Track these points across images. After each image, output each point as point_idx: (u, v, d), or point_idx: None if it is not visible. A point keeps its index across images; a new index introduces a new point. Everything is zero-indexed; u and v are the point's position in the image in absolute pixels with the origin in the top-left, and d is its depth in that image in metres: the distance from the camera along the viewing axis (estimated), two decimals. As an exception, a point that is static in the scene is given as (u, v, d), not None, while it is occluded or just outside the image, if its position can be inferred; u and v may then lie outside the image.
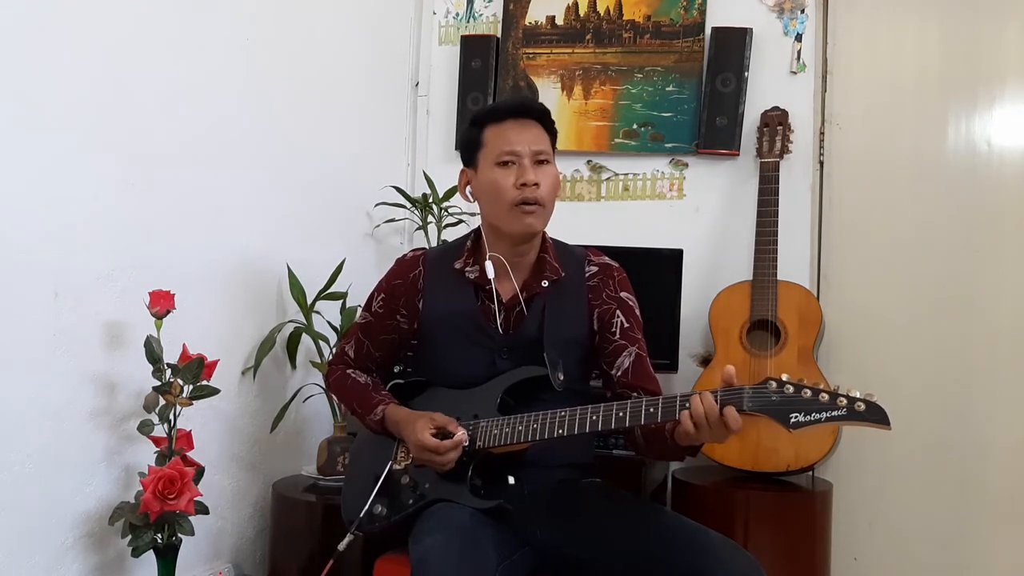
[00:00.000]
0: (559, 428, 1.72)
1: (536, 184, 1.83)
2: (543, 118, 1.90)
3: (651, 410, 1.64)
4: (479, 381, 1.89)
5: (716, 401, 1.58)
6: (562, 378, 1.83)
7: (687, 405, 1.61)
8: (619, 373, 1.88)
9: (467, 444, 1.82)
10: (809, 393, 1.51)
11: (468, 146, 1.92)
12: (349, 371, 2.08)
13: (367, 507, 1.90)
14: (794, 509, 2.61)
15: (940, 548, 2.82)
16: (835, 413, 1.49)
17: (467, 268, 1.93)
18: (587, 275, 1.93)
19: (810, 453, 2.59)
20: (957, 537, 2.80)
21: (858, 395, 1.49)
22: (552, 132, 1.92)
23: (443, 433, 1.82)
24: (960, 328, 2.82)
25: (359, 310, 2.18)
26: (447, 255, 1.98)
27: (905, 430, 2.76)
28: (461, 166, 1.96)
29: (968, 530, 2.79)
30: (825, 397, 1.50)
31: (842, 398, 1.49)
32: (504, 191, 1.84)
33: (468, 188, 1.94)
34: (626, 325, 1.90)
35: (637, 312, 1.95)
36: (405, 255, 2.05)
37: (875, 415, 1.47)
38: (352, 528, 1.91)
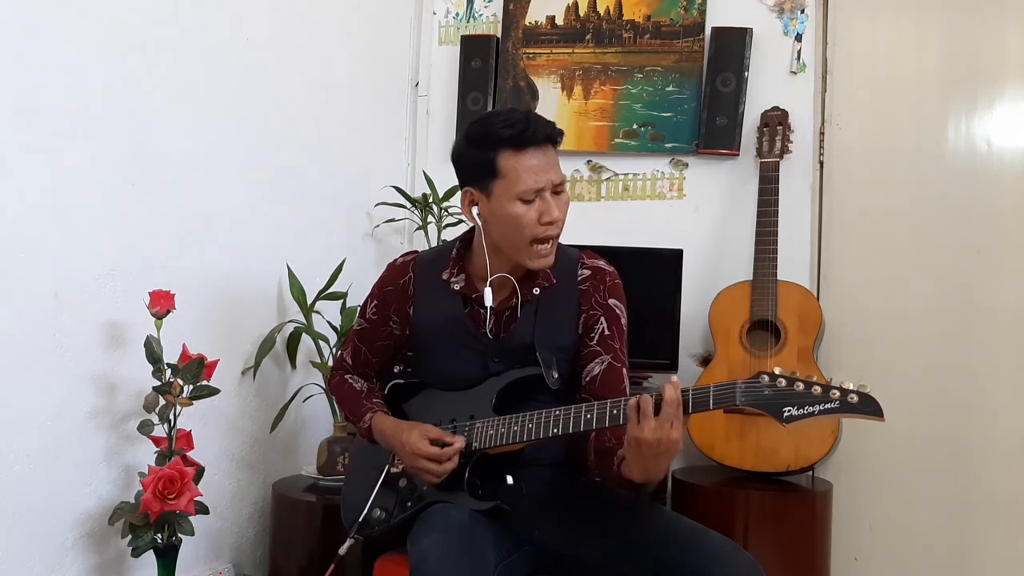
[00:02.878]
0: (554, 427, 1.72)
1: (559, 218, 1.79)
2: (558, 141, 1.82)
3: None
4: (473, 384, 1.88)
5: (709, 397, 1.56)
6: (556, 376, 1.82)
7: (687, 397, 1.59)
8: (587, 379, 1.85)
9: (463, 449, 1.82)
10: (802, 386, 1.50)
11: (477, 169, 1.80)
12: (347, 376, 2.07)
13: (365, 511, 1.90)
14: (794, 509, 2.60)
15: (940, 548, 2.82)
16: (828, 406, 1.49)
17: (452, 279, 1.90)
18: (579, 279, 1.89)
19: (810, 453, 2.59)
20: (957, 537, 2.80)
21: (851, 387, 1.48)
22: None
23: (439, 443, 1.82)
24: (960, 328, 2.82)
25: (356, 316, 2.18)
26: (436, 262, 1.95)
27: (905, 430, 2.77)
28: None
29: (968, 530, 2.79)
30: (818, 390, 1.49)
31: (835, 390, 1.48)
32: (526, 227, 1.77)
33: (475, 210, 1.83)
34: (606, 333, 1.86)
35: (623, 321, 1.89)
36: (396, 260, 2.02)
37: (868, 407, 1.47)
38: (352, 532, 1.92)
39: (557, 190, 1.79)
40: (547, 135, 1.78)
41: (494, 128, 1.77)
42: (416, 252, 2.03)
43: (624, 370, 1.87)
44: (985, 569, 2.78)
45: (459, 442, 1.80)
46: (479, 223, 1.84)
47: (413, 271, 1.97)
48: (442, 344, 1.92)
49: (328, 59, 2.92)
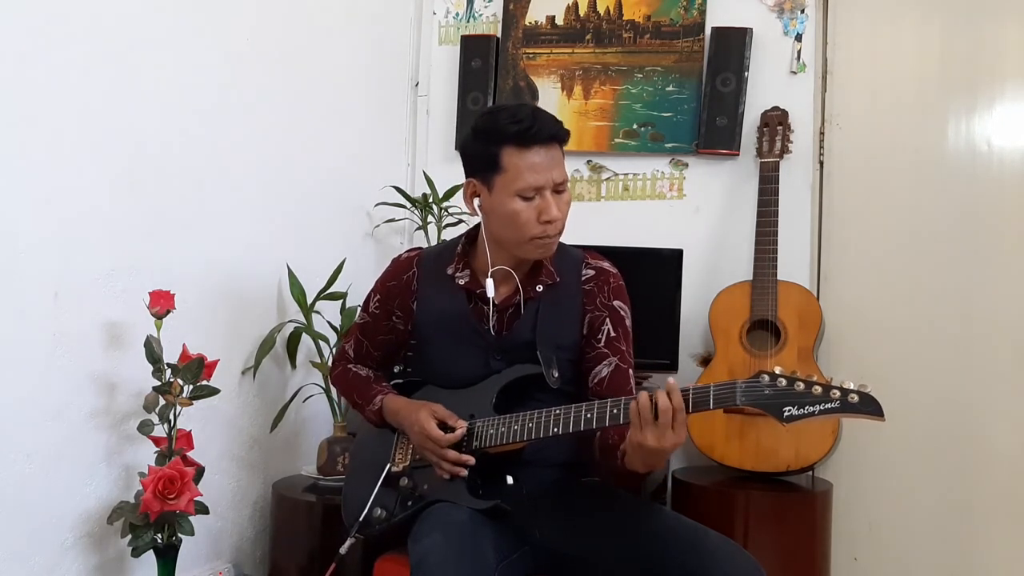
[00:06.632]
0: (554, 426, 1.72)
1: (558, 217, 1.78)
2: (563, 140, 1.81)
3: None
4: (474, 381, 1.89)
5: (710, 397, 1.56)
6: (556, 375, 1.82)
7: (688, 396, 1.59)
8: (595, 381, 1.85)
9: (465, 443, 1.82)
10: (802, 386, 1.50)
11: (480, 162, 1.80)
12: (350, 366, 2.09)
13: (366, 510, 1.90)
14: (794, 509, 2.61)
15: (940, 548, 2.81)
16: (828, 405, 1.49)
17: (458, 274, 1.91)
18: (583, 279, 1.90)
19: (810, 453, 2.59)
20: (957, 537, 2.80)
21: (852, 387, 1.48)
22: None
23: (444, 426, 1.83)
24: (960, 328, 2.82)
25: (359, 310, 2.19)
26: (440, 257, 1.96)
27: (905, 430, 2.77)
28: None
29: (968, 530, 2.79)
30: (818, 390, 1.49)
31: (835, 390, 1.48)
32: (526, 225, 1.77)
33: (477, 201, 1.84)
34: (612, 335, 1.86)
35: (628, 323, 1.90)
36: (400, 256, 2.03)
37: (869, 406, 1.47)
38: (352, 531, 1.92)
39: (559, 189, 1.79)
40: (552, 134, 1.78)
41: (500, 123, 1.77)
42: (421, 248, 2.04)
43: (631, 371, 1.88)
44: (985, 569, 2.78)
45: (461, 427, 1.81)
46: (480, 214, 1.85)
47: (417, 267, 1.97)
48: (444, 340, 1.92)
49: (328, 59, 2.92)
